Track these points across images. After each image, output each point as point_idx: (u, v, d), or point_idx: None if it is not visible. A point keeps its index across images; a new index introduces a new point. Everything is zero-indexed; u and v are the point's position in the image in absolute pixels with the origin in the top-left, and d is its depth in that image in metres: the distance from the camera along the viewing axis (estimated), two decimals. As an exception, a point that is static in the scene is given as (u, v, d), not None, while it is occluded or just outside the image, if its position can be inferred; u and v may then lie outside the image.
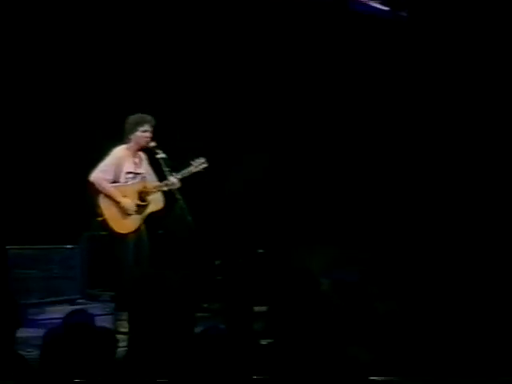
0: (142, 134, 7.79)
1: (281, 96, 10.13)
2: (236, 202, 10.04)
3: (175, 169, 7.92)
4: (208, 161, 8.09)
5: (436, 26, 9.60)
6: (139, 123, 7.79)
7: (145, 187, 7.85)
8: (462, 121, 9.53)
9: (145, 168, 7.93)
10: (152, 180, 7.93)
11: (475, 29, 9.42)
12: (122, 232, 7.71)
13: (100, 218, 7.71)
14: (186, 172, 7.96)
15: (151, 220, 7.95)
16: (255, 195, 10.01)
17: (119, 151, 7.82)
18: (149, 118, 7.83)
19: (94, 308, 8.17)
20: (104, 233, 7.96)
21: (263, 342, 4.23)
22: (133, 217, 7.75)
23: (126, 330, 4.44)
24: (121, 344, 4.15)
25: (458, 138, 9.58)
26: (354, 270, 7.75)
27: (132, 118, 7.84)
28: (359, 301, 4.83)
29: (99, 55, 9.73)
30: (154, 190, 7.86)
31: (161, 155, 7.84)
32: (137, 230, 7.78)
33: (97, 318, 4.41)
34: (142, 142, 7.81)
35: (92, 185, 7.68)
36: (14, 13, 9.34)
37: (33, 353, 4.42)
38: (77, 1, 9.58)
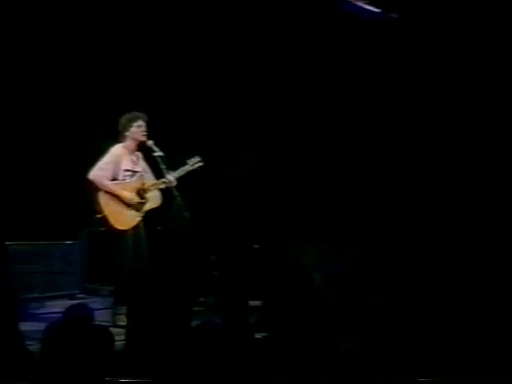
0: (137, 128, 7.79)
1: (272, 95, 10.13)
2: (232, 199, 10.05)
3: (172, 167, 7.92)
4: (204, 159, 8.09)
5: (426, 27, 9.58)
6: (132, 119, 7.81)
7: (143, 184, 7.86)
8: (451, 121, 9.52)
9: (142, 166, 7.93)
10: (149, 178, 7.94)
11: (466, 30, 9.39)
12: (121, 228, 7.70)
13: (100, 215, 7.71)
14: (182, 170, 7.96)
15: (149, 216, 7.95)
16: (250, 194, 10.02)
17: (117, 149, 7.82)
18: (140, 114, 7.85)
19: (94, 302, 8.16)
20: (103, 229, 7.95)
21: (258, 336, 4.24)
22: (132, 213, 7.75)
23: (124, 323, 4.46)
24: (120, 337, 4.16)
25: (444, 135, 9.57)
26: (346, 265, 7.76)
27: (124, 116, 7.86)
28: (350, 294, 4.84)
29: (98, 56, 9.72)
30: (153, 188, 7.87)
31: (158, 153, 7.84)
32: (135, 227, 7.78)
33: (96, 312, 4.42)
34: (138, 137, 7.81)
35: (91, 183, 7.69)
36: (12, 13, 9.30)
37: (34, 346, 4.42)
38: (76, 3, 9.54)
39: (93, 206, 7.76)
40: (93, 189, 7.70)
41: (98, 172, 7.67)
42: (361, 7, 9.27)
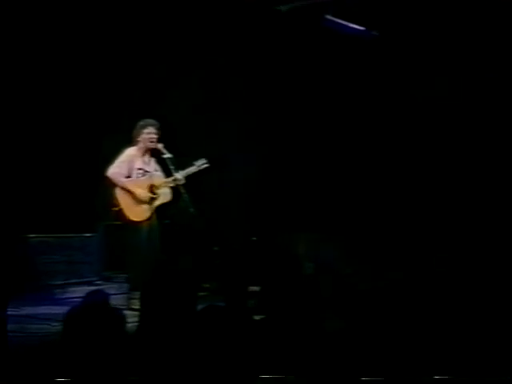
0: (147, 135, 7.90)
1: (268, 98, 10.13)
2: (232, 196, 10.06)
3: (180, 167, 7.98)
4: (208, 161, 8.12)
5: (408, 45, 9.50)
6: (143, 126, 7.92)
7: (154, 182, 7.93)
8: (432, 135, 9.43)
9: (153, 167, 8.01)
10: (160, 177, 8.00)
11: (449, 48, 9.28)
12: (135, 220, 7.76)
13: (116, 209, 7.77)
14: (189, 171, 8.03)
15: (159, 211, 7.98)
16: (248, 192, 10.02)
17: (131, 151, 7.93)
18: (152, 121, 7.96)
19: (110, 288, 8.17)
20: (118, 222, 7.99)
21: (256, 318, 4.25)
22: (145, 207, 7.82)
23: (137, 307, 4.46)
24: (133, 319, 4.16)
25: (428, 132, 9.50)
26: (335, 255, 7.76)
27: (138, 124, 7.97)
28: (338, 281, 4.84)
29: (116, 65, 9.69)
30: (163, 185, 7.94)
31: (167, 155, 7.90)
32: (149, 219, 7.83)
33: (112, 297, 4.42)
34: (147, 143, 7.91)
35: (109, 180, 7.76)
36: (34, 16, 9.16)
37: (58, 327, 4.42)
38: (95, 12, 9.44)
39: (109, 203, 7.80)
40: (110, 185, 7.76)
41: (115, 170, 7.78)
42: (344, 25, 9.18)
